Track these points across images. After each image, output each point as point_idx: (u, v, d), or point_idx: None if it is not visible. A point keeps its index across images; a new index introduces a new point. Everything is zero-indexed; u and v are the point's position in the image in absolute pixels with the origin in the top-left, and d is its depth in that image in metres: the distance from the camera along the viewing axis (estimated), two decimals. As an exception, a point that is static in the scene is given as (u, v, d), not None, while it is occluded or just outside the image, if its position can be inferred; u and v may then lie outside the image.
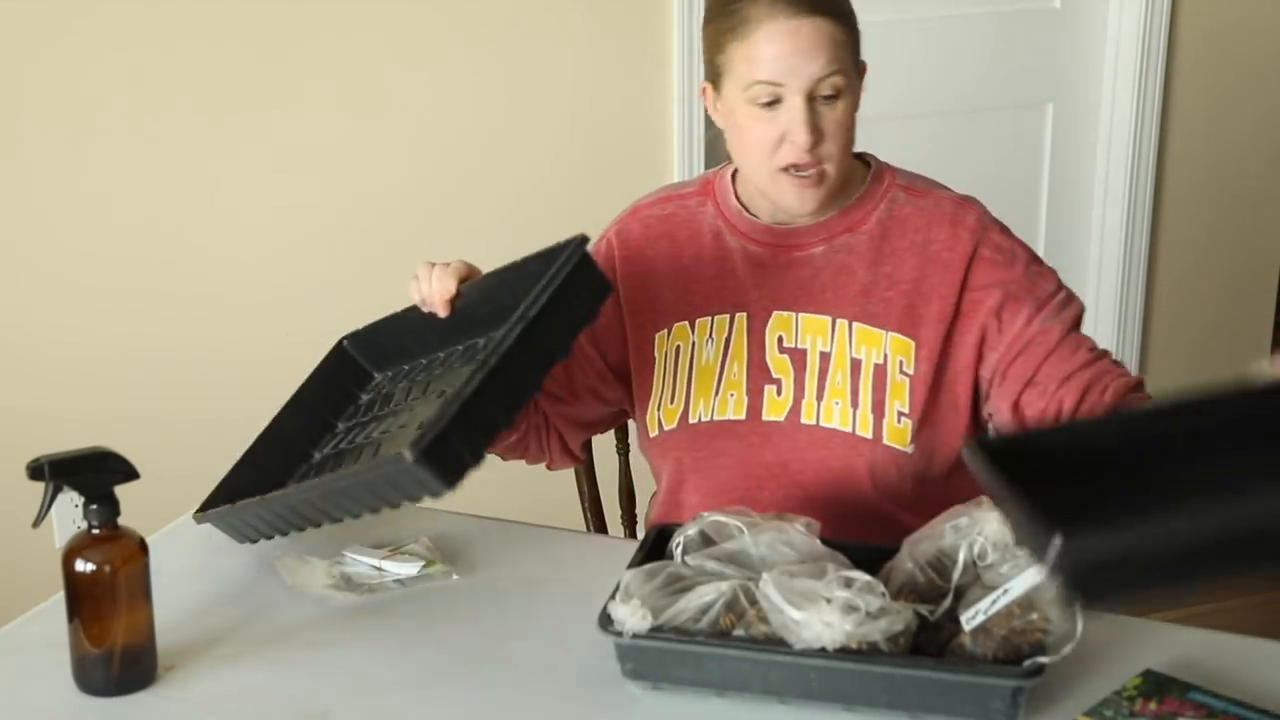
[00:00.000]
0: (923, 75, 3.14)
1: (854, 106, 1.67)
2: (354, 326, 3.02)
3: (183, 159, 2.75)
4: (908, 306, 1.71)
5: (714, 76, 1.71)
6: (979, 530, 1.40)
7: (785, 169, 1.66)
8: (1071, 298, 1.74)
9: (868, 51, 1.72)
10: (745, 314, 1.75)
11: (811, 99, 1.63)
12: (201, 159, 2.76)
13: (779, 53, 1.62)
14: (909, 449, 1.68)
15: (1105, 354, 1.72)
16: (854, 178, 1.76)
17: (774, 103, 1.64)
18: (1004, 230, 1.75)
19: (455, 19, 2.85)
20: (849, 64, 1.65)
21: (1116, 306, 3.43)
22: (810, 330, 1.72)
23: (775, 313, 1.74)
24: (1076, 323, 1.73)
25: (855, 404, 1.69)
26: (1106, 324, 3.44)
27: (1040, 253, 3.68)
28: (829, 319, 1.72)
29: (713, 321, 1.76)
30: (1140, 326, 3.47)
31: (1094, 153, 3.39)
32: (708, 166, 2.95)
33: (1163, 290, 3.48)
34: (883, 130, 1.86)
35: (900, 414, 1.69)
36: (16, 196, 2.69)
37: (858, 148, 1.75)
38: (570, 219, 2.92)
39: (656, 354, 1.79)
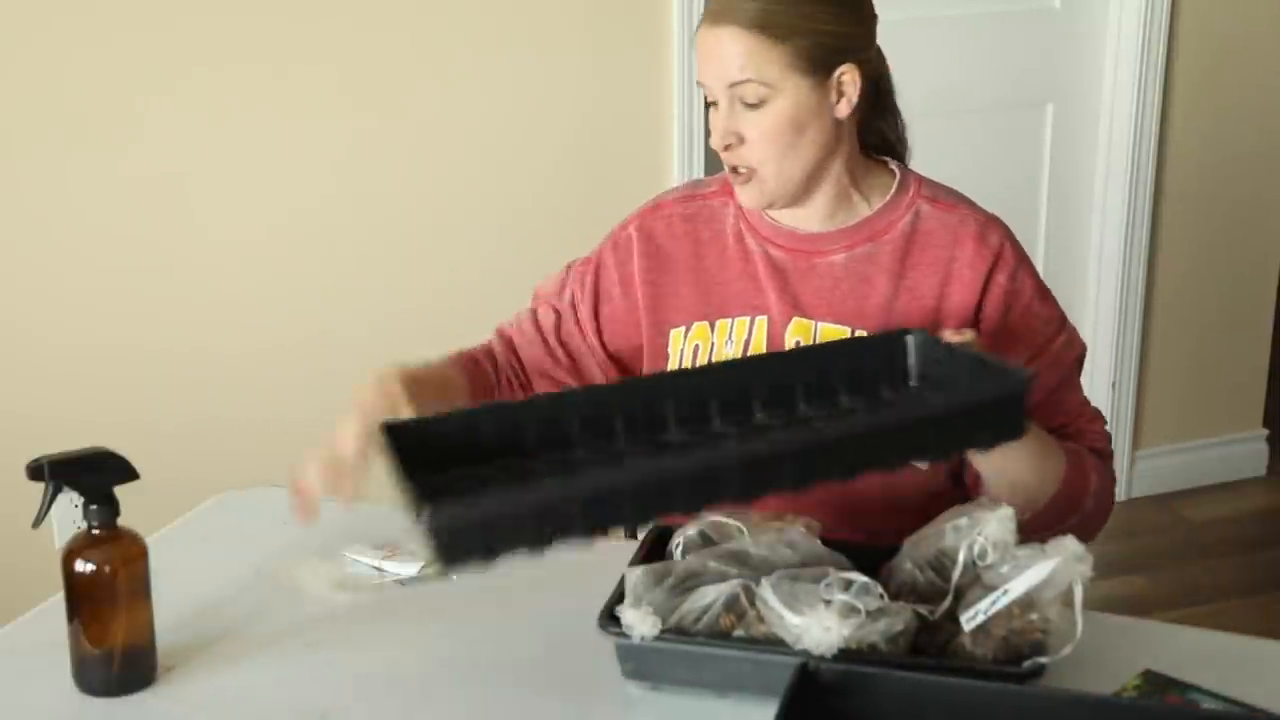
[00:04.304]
0: (923, 75, 3.13)
1: (791, 115, 1.65)
2: (354, 327, 3.02)
3: (185, 159, 2.75)
4: (927, 322, 1.70)
5: None
6: (979, 530, 1.40)
7: (730, 167, 1.71)
8: (1071, 341, 1.75)
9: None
10: (766, 317, 1.74)
11: (734, 103, 1.66)
12: (204, 160, 2.76)
13: (701, 56, 1.69)
14: (923, 464, 1.67)
15: (1080, 415, 1.72)
16: (876, 185, 1.75)
17: (714, 104, 1.69)
18: (1020, 258, 1.73)
19: (457, 24, 2.85)
20: (774, 74, 1.64)
21: (1116, 306, 3.43)
22: (829, 340, 1.72)
23: (795, 318, 1.73)
24: (1071, 369, 1.74)
25: None
26: (1106, 324, 3.44)
27: (1040, 253, 3.68)
28: (848, 330, 1.71)
29: (733, 323, 1.75)
30: (1140, 326, 3.46)
31: (1094, 153, 3.39)
32: (708, 169, 2.95)
33: (1163, 290, 3.48)
34: (883, 130, 1.86)
35: None
36: (15, 196, 2.68)
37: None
38: (570, 221, 2.94)
39: (672, 351, 1.78)
